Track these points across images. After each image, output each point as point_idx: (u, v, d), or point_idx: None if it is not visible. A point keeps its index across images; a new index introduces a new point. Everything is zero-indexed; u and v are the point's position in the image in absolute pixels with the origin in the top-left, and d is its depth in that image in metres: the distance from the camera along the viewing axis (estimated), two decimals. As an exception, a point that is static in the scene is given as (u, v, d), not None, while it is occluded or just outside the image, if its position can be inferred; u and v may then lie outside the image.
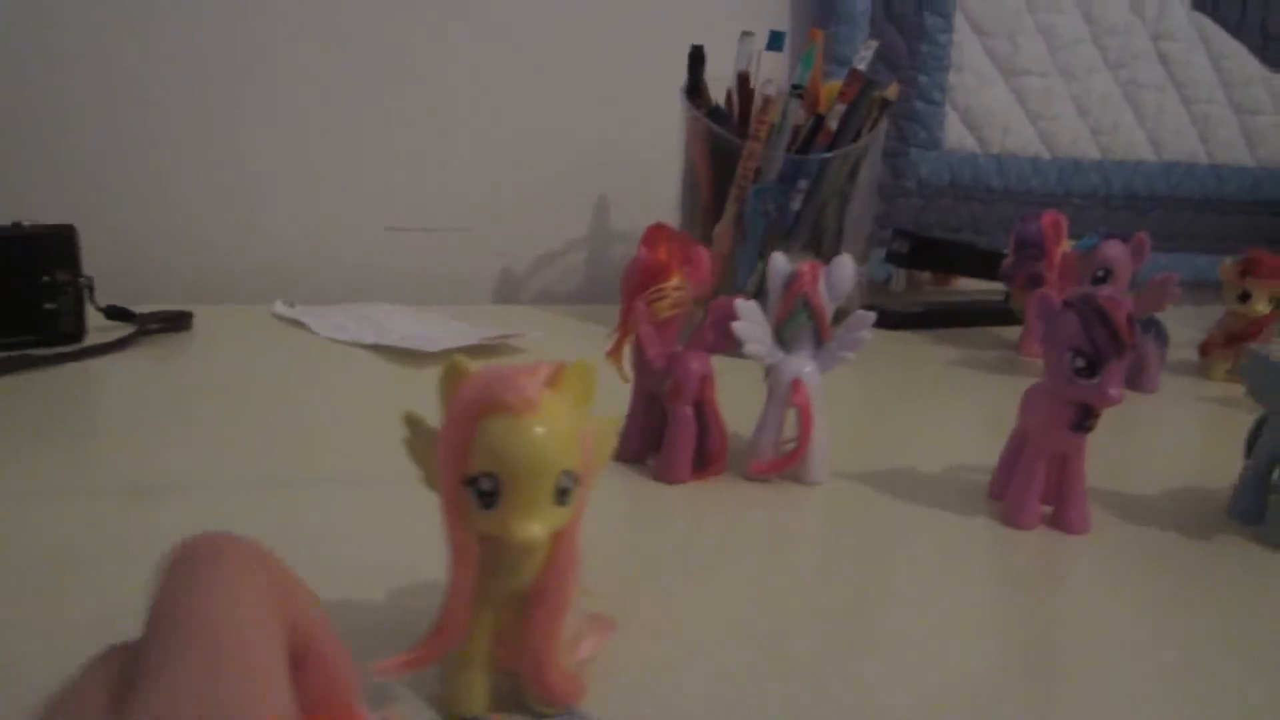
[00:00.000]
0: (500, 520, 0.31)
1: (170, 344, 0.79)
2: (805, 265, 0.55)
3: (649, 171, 0.97)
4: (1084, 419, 0.49)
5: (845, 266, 0.55)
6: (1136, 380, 0.79)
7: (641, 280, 0.54)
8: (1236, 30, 1.21)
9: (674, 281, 0.54)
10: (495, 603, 0.34)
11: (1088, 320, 0.47)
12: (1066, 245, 0.83)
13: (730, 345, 0.55)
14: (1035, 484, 0.51)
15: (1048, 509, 0.52)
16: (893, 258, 0.98)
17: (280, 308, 0.88)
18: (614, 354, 0.56)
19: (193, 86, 0.93)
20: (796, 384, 0.55)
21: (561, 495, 0.31)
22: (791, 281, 0.55)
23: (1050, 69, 1.13)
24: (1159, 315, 0.81)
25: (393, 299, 0.95)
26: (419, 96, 0.99)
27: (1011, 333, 0.94)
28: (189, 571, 0.21)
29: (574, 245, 1.05)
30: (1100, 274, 0.76)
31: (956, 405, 0.76)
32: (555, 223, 1.04)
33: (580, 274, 1.05)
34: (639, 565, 0.46)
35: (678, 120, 0.86)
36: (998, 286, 0.92)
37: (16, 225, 0.75)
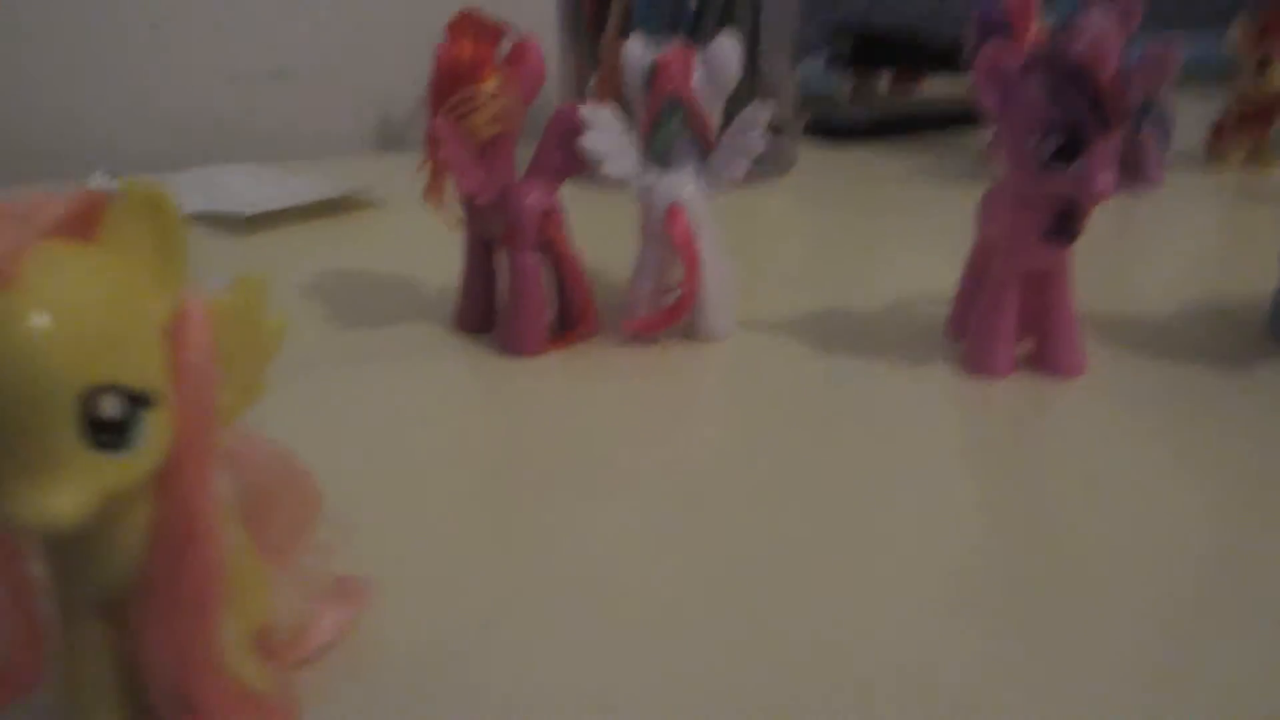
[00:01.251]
0: None
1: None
2: (671, 53, 0.40)
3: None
4: (1065, 224, 0.35)
5: (725, 50, 0.40)
6: (1134, 176, 0.65)
7: (443, 88, 0.39)
8: None
9: (489, 85, 0.39)
10: (95, 609, 0.20)
11: (1058, 86, 0.33)
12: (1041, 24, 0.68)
13: (583, 167, 0.41)
14: (1005, 316, 0.37)
15: (1027, 346, 0.39)
16: (834, 60, 0.82)
17: (100, 180, 0.73)
18: (432, 193, 0.41)
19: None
20: (673, 212, 0.40)
21: (109, 431, 0.17)
22: (654, 76, 0.40)
23: None
24: (1159, 99, 0.65)
25: (260, 158, 0.80)
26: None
27: (981, 138, 0.79)
28: None
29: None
30: (1081, 47, 0.61)
31: (909, 227, 0.61)
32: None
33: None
34: (472, 475, 0.33)
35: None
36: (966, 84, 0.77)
37: None
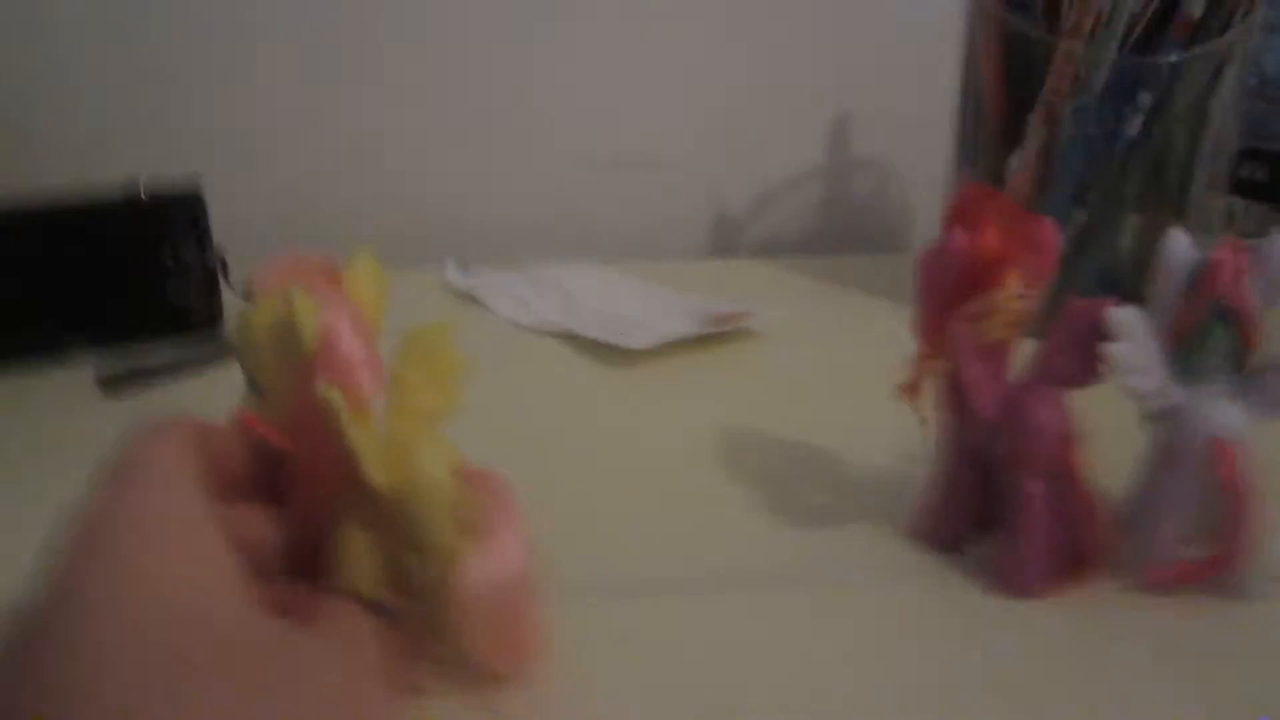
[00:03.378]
0: None
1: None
2: (1224, 252, 0.34)
3: (906, 78, 0.76)
4: None
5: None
6: None
7: (961, 284, 0.34)
8: None
9: (1012, 287, 0.34)
10: None
11: None
12: None
13: (1094, 375, 0.35)
14: None
15: None
16: (1242, 188, 0.74)
17: (453, 275, 0.72)
18: (911, 391, 0.37)
19: (327, 10, 0.76)
20: (1221, 448, 0.34)
21: None
22: (1201, 276, 0.34)
23: None
24: None
25: (584, 254, 0.78)
26: (607, 5, 0.79)
27: None
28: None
29: (805, 178, 0.84)
30: None
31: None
32: (782, 150, 0.84)
33: (814, 215, 0.85)
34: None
35: (951, 8, 0.64)
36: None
37: (125, 185, 0.60)
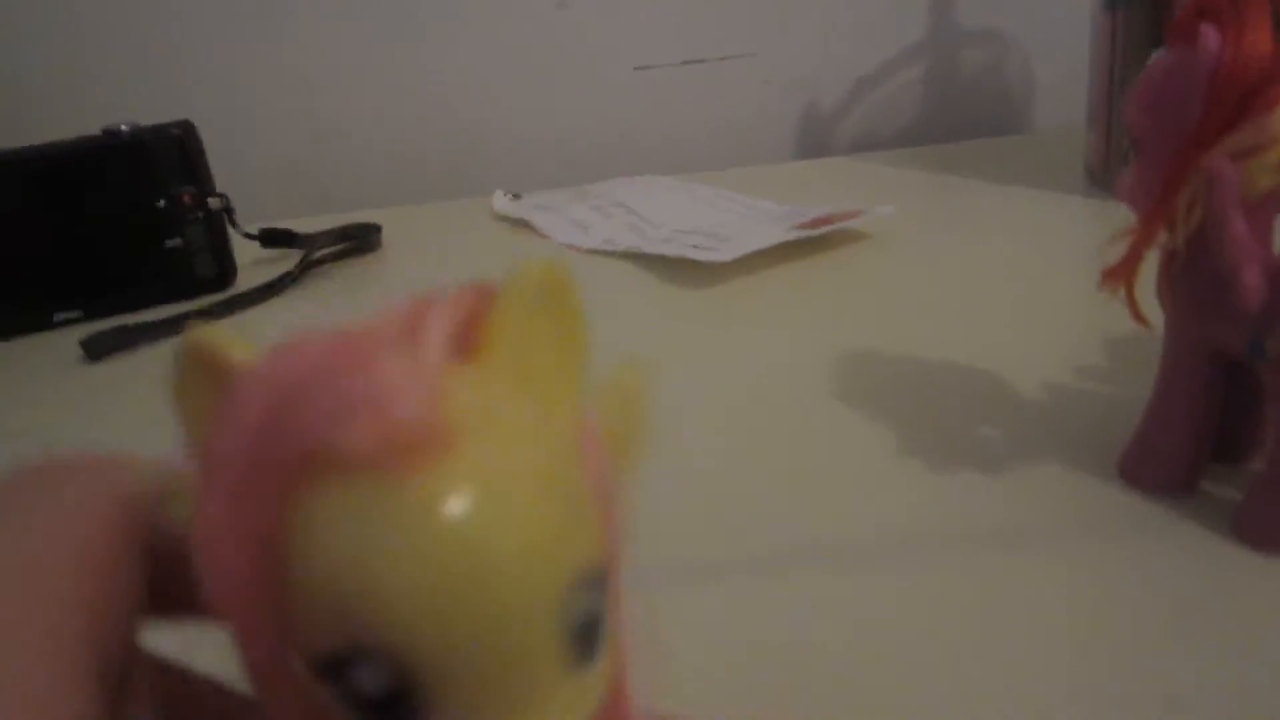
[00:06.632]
0: None
1: (354, 274, 0.54)
2: None
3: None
4: None
5: None
6: None
7: (1214, 109, 0.23)
8: None
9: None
10: None
11: None
12: None
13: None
14: None
15: None
16: None
17: (501, 202, 0.62)
18: (1121, 276, 0.26)
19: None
20: None
21: (584, 637, 0.11)
22: None
23: None
24: None
25: (653, 168, 0.67)
26: None
27: None
28: None
29: (903, 60, 0.72)
30: None
31: None
32: (873, 30, 0.71)
33: (916, 103, 0.73)
34: None
35: None
36: None
37: (110, 132, 0.51)
